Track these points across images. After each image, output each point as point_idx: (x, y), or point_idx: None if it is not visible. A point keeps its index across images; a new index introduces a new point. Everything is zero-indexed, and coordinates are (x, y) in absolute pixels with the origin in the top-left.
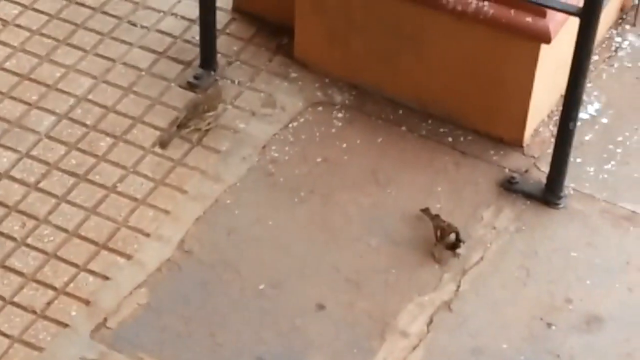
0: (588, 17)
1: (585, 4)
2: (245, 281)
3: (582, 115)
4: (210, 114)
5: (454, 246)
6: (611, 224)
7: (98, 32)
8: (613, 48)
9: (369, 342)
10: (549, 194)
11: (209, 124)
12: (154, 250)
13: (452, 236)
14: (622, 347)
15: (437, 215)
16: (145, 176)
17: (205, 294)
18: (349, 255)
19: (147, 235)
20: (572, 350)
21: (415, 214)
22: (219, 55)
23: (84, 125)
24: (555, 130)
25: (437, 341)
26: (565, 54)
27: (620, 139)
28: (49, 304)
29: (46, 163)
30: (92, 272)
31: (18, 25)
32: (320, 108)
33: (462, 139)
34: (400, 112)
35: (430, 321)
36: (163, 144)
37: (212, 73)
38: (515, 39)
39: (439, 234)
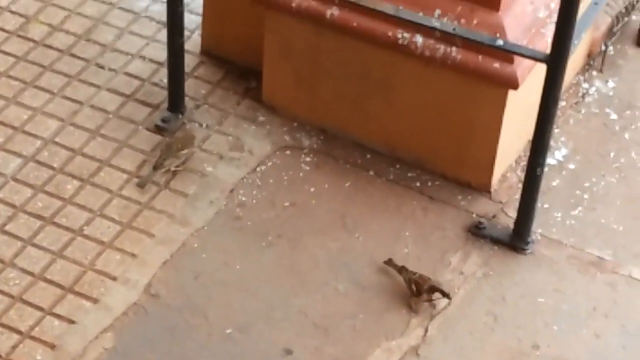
0: (555, 63)
1: (552, 50)
2: (213, 325)
3: (549, 160)
4: (185, 151)
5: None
6: (578, 270)
7: (65, 75)
8: (580, 94)
9: None
10: (517, 239)
11: (184, 162)
12: (121, 294)
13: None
14: None
15: (403, 267)
16: (112, 219)
17: (172, 339)
18: (317, 300)
19: (114, 278)
20: None
21: (382, 262)
22: (187, 99)
23: (51, 167)
24: (522, 175)
25: None
26: (533, 99)
27: (587, 184)
28: (14, 347)
29: (12, 206)
30: (57, 316)
31: None
32: (288, 152)
33: (430, 183)
34: (368, 156)
35: None
36: (141, 184)
37: (180, 116)
38: (483, 84)
39: (414, 287)
